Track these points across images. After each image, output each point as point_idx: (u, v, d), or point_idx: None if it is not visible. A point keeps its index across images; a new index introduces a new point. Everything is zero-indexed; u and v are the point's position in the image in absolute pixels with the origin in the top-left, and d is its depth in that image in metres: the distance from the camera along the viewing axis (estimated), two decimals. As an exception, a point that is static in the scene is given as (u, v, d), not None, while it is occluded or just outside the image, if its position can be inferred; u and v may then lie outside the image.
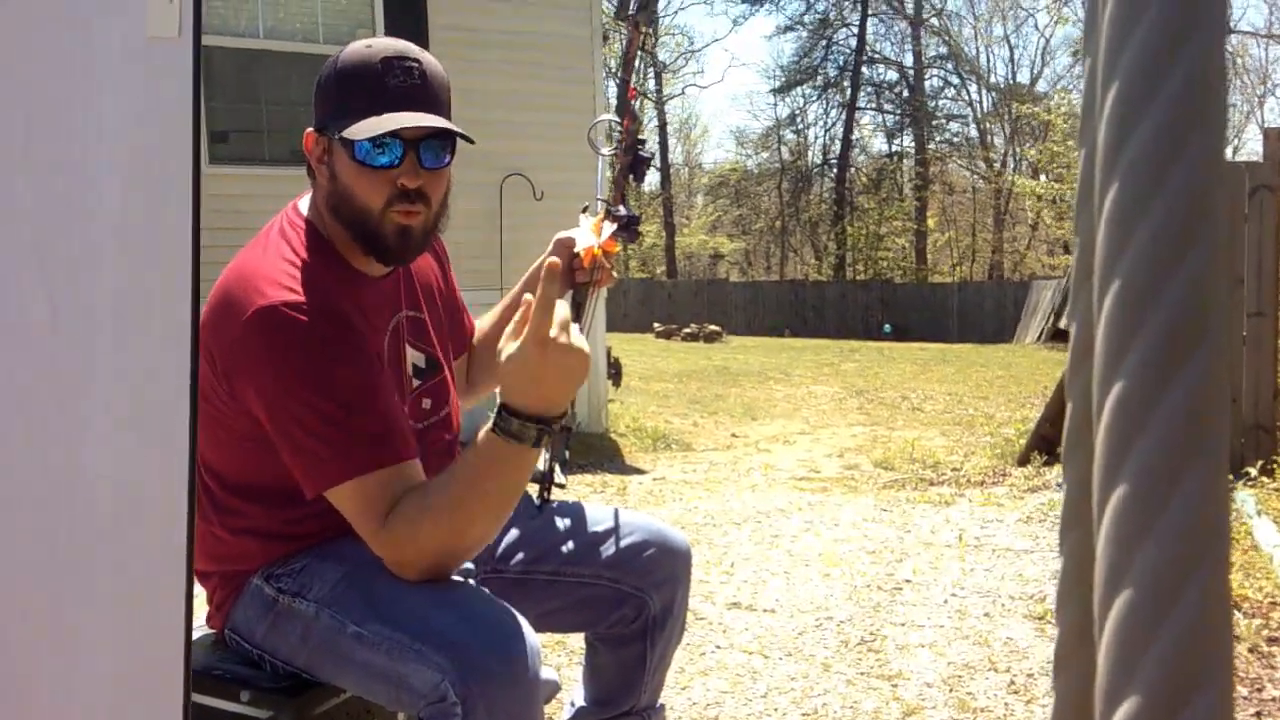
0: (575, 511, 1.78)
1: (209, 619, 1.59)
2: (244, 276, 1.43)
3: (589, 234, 1.72)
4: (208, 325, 1.42)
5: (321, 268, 1.47)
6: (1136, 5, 0.38)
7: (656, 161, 37.45)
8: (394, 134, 1.42)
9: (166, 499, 1.04)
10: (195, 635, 1.61)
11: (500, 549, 1.72)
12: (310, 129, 1.51)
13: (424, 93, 1.45)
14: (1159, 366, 0.36)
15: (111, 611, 1.08)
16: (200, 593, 1.61)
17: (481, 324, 1.89)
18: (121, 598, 1.06)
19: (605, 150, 1.83)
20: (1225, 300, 0.37)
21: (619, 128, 1.84)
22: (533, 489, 1.80)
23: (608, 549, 1.72)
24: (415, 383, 1.61)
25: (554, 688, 1.73)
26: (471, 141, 1.48)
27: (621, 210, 1.77)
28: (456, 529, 1.37)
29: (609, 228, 1.72)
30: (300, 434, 1.39)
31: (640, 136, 1.85)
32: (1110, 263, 0.37)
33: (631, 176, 1.84)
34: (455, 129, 1.46)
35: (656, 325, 21.39)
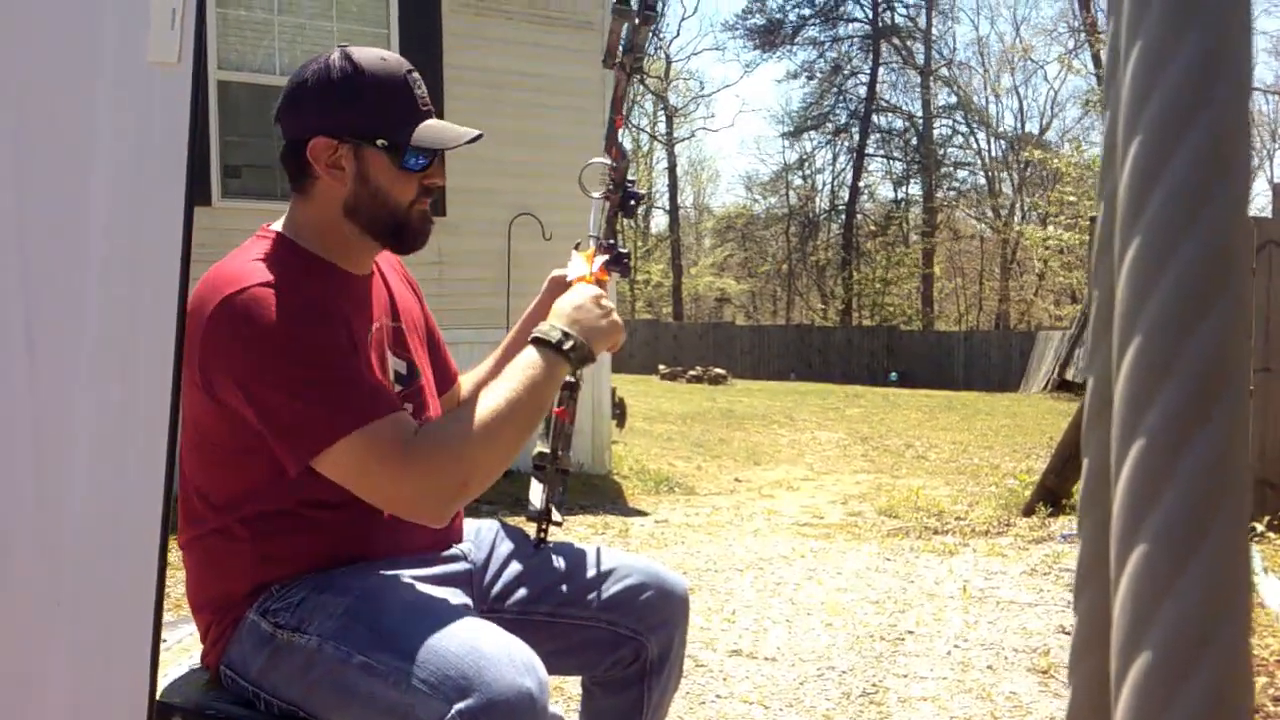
0: (573, 552, 1.77)
1: (204, 656, 1.57)
2: (209, 281, 1.45)
3: (582, 264, 1.75)
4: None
5: (293, 262, 1.52)
6: (1160, 59, 0.38)
7: (665, 204, 37.55)
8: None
9: (140, 533, 1.02)
10: (186, 672, 1.60)
11: (497, 588, 1.70)
12: (318, 135, 1.51)
13: (430, 101, 1.60)
14: (1182, 423, 0.35)
15: (77, 649, 1.06)
16: (195, 632, 1.60)
17: (477, 371, 1.89)
18: (86, 636, 1.04)
19: (595, 193, 1.86)
20: (1248, 356, 0.36)
21: (608, 169, 1.88)
22: (530, 529, 1.79)
23: (605, 591, 1.70)
24: (397, 388, 1.62)
25: None
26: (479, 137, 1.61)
27: (609, 242, 1.82)
28: (489, 436, 1.41)
29: (600, 259, 1.76)
30: (284, 401, 1.37)
31: (630, 178, 1.88)
32: (1131, 317, 0.37)
33: (621, 214, 1.87)
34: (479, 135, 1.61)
35: (662, 367, 21.40)
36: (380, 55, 1.55)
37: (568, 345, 1.53)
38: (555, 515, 1.74)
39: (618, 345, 1.69)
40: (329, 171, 1.53)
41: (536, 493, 1.76)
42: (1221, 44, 0.38)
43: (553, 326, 1.55)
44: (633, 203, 1.87)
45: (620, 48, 1.85)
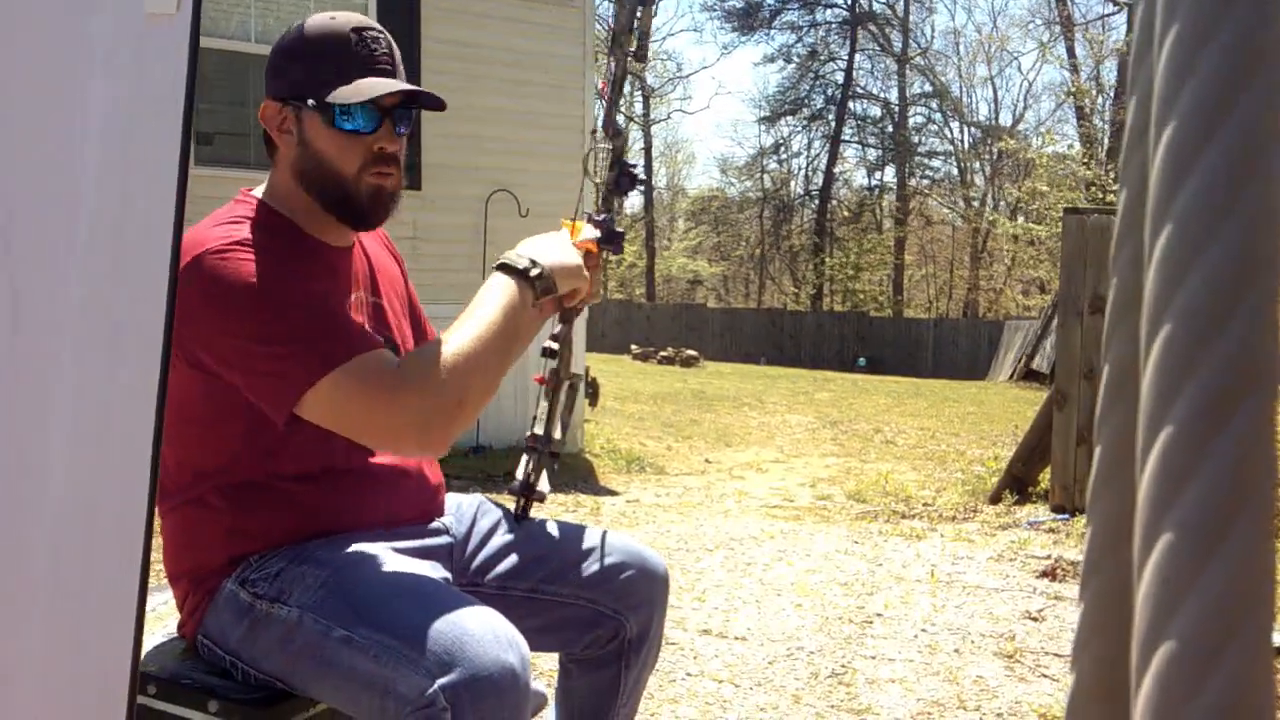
0: (554, 529, 1.76)
1: (181, 626, 1.56)
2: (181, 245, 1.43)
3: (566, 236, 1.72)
4: None
5: (266, 224, 1.49)
6: (1196, 46, 0.38)
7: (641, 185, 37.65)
8: (372, 101, 1.47)
9: (124, 513, 1.00)
10: (163, 641, 1.59)
11: (478, 562, 1.70)
12: (268, 99, 1.53)
13: (391, 61, 1.52)
14: (1209, 415, 0.35)
15: (56, 628, 1.04)
16: (171, 600, 1.59)
17: None
18: (67, 616, 1.03)
19: (598, 179, 1.83)
20: (1275, 351, 0.37)
21: (607, 149, 1.85)
22: (511, 503, 1.78)
23: (586, 569, 1.70)
24: None
25: (541, 700, 1.71)
26: (443, 107, 1.55)
27: (601, 217, 1.77)
28: (474, 355, 1.38)
29: (589, 231, 1.71)
30: (259, 351, 1.36)
31: (629, 160, 1.86)
32: (1161, 306, 0.37)
33: (618, 191, 1.85)
34: (434, 94, 1.53)
35: (634, 347, 21.40)
36: (334, 15, 1.52)
37: (534, 272, 1.49)
38: (544, 485, 1.72)
39: (587, 294, 1.64)
40: (280, 136, 1.54)
41: (522, 467, 1.75)
42: (1260, 31, 0.38)
43: (519, 255, 1.52)
44: (629, 180, 1.84)
45: (630, 30, 1.83)
